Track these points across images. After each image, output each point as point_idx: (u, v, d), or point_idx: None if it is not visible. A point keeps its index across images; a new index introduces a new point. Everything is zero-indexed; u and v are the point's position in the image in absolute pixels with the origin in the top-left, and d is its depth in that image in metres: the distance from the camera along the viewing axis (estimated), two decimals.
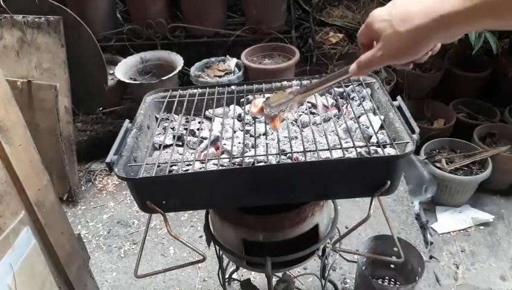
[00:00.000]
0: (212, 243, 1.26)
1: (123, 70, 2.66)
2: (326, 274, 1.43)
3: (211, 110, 1.26)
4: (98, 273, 2.03)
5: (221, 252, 1.32)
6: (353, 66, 0.74)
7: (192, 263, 1.08)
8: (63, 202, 2.44)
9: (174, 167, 1.04)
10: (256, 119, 1.18)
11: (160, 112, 1.26)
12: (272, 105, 0.96)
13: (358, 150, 0.98)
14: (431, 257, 2.15)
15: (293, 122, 1.21)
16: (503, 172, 2.48)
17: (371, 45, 0.71)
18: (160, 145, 1.11)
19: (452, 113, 2.80)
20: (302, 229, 1.13)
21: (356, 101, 1.22)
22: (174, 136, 1.17)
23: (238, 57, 2.73)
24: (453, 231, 2.35)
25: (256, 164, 0.99)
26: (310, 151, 1.02)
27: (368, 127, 1.07)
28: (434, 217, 2.45)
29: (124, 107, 2.86)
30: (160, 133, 1.23)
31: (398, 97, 1.13)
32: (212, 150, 1.10)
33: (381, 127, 1.09)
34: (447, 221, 2.41)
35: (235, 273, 1.74)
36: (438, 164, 2.48)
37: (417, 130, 0.98)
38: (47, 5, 2.29)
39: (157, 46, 2.85)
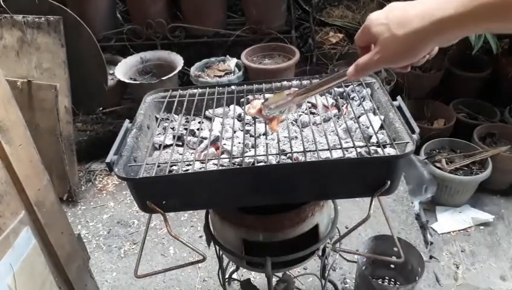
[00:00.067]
0: (212, 243, 1.26)
1: (123, 70, 2.66)
2: (326, 274, 1.43)
3: (211, 110, 1.26)
4: (98, 273, 2.03)
5: (221, 252, 1.32)
6: (351, 69, 0.74)
7: (192, 263, 1.08)
8: (63, 202, 2.44)
9: (174, 167, 1.04)
10: (256, 119, 1.18)
11: (160, 112, 1.26)
12: (271, 107, 0.96)
13: (358, 150, 0.98)
14: (431, 257, 2.15)
15: (293, 122, 1.21)
16: (503, 172, 2.48)
17: (369, 48, 0.71)
18: (160, 145, 1.11)
19: (452, 113, 2.80)
20: (302, 229, 1.13)
21: (356, 101, 1.22)
22: (174, 136, 1.17)
23: (238, 57, 2.73)
24: (453, 231, 2.35)
25: (256, 164, 0.99)
26: (310, 151, 1.02)
27: (368, 127, 1.07)
28: (434, 217, 2.45)
29: (124, 107, 2.86)
30: (160, 133, 1.23)
31: (398, 97, 1.13)
32: (212, 150, 1.10)
33: (381, 127, 1.09)
34: (447, 221, 2.41)
35: (235, 273, 1.74)
36: (438, 164, 2.48)
37: (417, 130, 0.98)
38: (47, 5, 2.29)
39: (157, 46, 2.85)
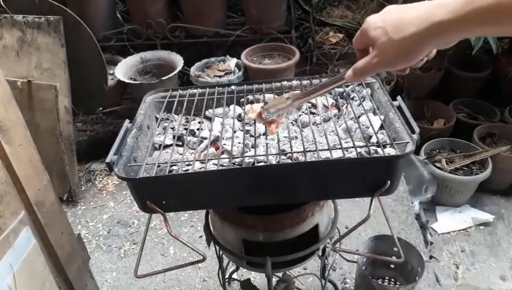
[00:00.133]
0: (212, 243, 1.26)
1: (123, 70, 2.66)
2: (326, 274, 1.43)
3: (211, 110, 1.26)
4: (98, 273, 2.03)
5: (221, 252, 1.32)
6: (349, 73, 0.75)
7: (192, 263, 1.08)
8: (63, 202, 2.44)
9: (174, 167, 1.04)
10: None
11: (160, 112, 1.26)
12: (271, 110, 0.97)
13: (358, 150, 0.98)
14: (431, 257, 2.15)
15: (293, 122, 1.21)
16: (503, 172, 2.48)
17: (367, 51, 0.72)
18: (160, 145, 1.11)
19: (452, 113, 2.80)
20: (302, 229, 1.13)
21: (356, 101, 1.22)
22: (174, 136, 1.17)
23: (238, 57, 2.73)
24: (453, 231, 2.35)
25: (256, 164, 0.99)
26: (310, 151, 1.02)
27: (368, 127, 1.07)
28: (434, 217, 2.45)
29: (124, 107, 2.86)
30: (160, 133, 1.23)
31: (398, 97, 1.13)
32: (212, 150, 1.10)
33: (381, 127, 1.09)
34: (447, 221, 2.41)
35: (235, 273, 1.74)
36: (438, 164, 2.48)
37: (417, 130, 0.98)
38: (47, 5, 2.29)
39: (157, 46, 2.85)
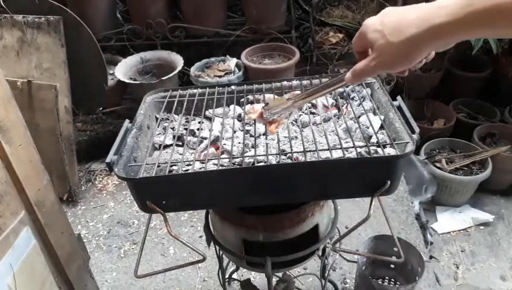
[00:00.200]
0: (212, 243, 1.26)
1: (123, 70, 2.66)
2: (326, 274, 1.43)
3: (211, 110, 1.26)
4: (98, 273, 2.04)
5: (221, 252, 1.32)
6: (348, 75, 0.76)
7: (192, 263, 1.08)
8: (63, 202, 2.44)
9: (174, 167, 1.04)
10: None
11: (160, 112, 1.26)
12: (272, 111, 0.97)
13: (358, 150, 0.98)
14: (431, 257, 2.15)
15: (293, 122, 1.21)
16: (503, 172, 2.48)
17: (366, 53, 0.72)
18: (160, 145, 1.11)
19: (452, 113, 2.80)
20: (302, 229, 1.13)
21: (356, 101, 1.22)
22: (174, 136, 1.17)
23: (238, 57, 2.73)
24: (453, 231, 2.35)
25: (256, 164, 0.99)
26: (310, 151, 1.02)
27: (368, 127, 1.07)
28: (434, 217, 2.45)
29: (124, 107, 2.86)
30: (160, 133, 1.23)
31: (398, 97, 1.13)
32: (212, 150, 1.10)
33: (381, 127, 1.09)
34: (447, 221, 2.41)
35: (235, 273, 1.74)
36: (438, 164, 2.48)
37: (417, 130, 0.98)
38: (47, 5, 2.29)
39: (157, 46, 2.85)
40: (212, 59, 2.81)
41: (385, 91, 1.18)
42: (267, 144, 1.08)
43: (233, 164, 1.01)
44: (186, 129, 1.19)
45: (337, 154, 1.01)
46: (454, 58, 2.97)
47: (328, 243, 1.24)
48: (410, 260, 1.68)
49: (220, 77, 2.66)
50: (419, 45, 0.64)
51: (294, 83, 1.29)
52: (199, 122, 1.22)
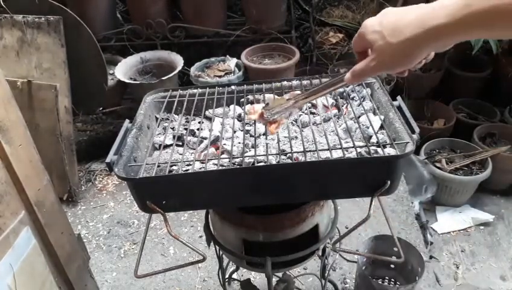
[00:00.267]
0: (212, 243, 1.26)
1: (123, 70, 2.66)
2: (326, 274, 1.43)
3: (211, 110, 1.26)
4: (98, 273, 2.04)
5: (221, 252, 1.32)
6: (348, 75, 0.76)
7: (192, 263, 1.08)
8: (63, 202, 2.44)
9: (174, 167, 1.04)
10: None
11: (160, 112, 1.26)
12: (272, 112, 0.97)
13: (358, 150, 0.98)
14: (431, 257, 2.15)
15: (293, 122, 1.21)
16: (503, 172, 2.48)
17: (366, 53, 0.72)
18: (160, 145, 1.11)
19: (452, 113, 2.80)
20: (302, 229, 1.13)
21: (356, 101, 1.22)
22: (174, 136, 1.17)
23: (238, 57, 2.73)
24: (453, 231, 2.35)
25: (256, 164, 0.99)
26: (310, 151, 1.02)
27: (368, 127, 1.07)
28: (434, 217, 2.45)
29: (124, 107, 2.86)
30: (160, 133, 1.23)
31: (398, 97, 1.13)
32: (212, 150, 1.10)
33: (381, 127, 1.09)
34: (447, 221, 2.41)
35: (235, 273, 1.74)
36: (438, 164, 2.48)
37: (417, 130, 0.98)
38: (47, 5, 2.29)
39: (157, 46, 2.85)
40: (212, 59, 2.81)
41: (385, 91, 1.18)
42: (267, 144, 1.08)
43: (233, 164, 1.01)
44: (186, 129, 1.19)
45: (337, 154, 1.01)
46: (454, 58, 2.98)
47: (328, 243, 1.24)
48: (410, 260, 1.68)
49: (220, 77, 2.66)
50: (419, 46, 0.64)
51: (294, 83, 1.29)
52: (199, 122, 1.22)
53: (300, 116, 1.21)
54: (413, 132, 0.97)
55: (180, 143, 1.18)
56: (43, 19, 2.26)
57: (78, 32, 2.32)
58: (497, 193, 2.58)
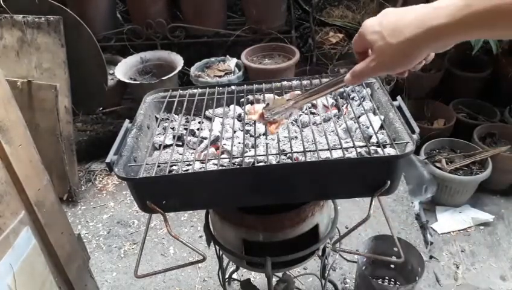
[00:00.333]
0: (212, 243, 1.26)
1: (123, 70, 2.66)
2: (326, 274, 1.43)
3: (211, 110, 1.26)
4: (98, 273, 2.03)
5: (221, 252, 1.32)
6: (348, 76, 0.76)
7: (192, 263, 1.08)
8: (63, 202, 2.44)
9: (174, 167, 1.04)
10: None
11: (160, 112, 1.26)
12: (273, 112, 0.97)
13: (358, 150, 0.98)
14: (431, 257, 2.15)
15: (293, 122, 1.21)
16: (503, 172, 2.48)
17: (366, 53, 0.72)
18: (160, 145, 1.11)
19: (452, 113, 2.80)
20: (302, 229, 1.13)
21: (356, 101, 1.22)
22: (174, 136, 1.17)
23: (238, 57, 2.73)
24: (453, 231, 2.35)
25: (256, 164, 0.99)
26: (310, 151, 1.02)
27: (368, 127, 1.07)
28: (434, 217, 2.45)
29: (124, 107, 2.86)
30: (160, 133, 1.23)
31: (398, 97, 1.13)
32: (212, 150, 1.10)
33: (381, 127, 1.09)
34: (447, 221, 2.41)
35: (235, 273, 1.74)
36: (438, 164, 2.48)
37: (417, 130, 0.98)
38: (47, 5, 2.29)
39: (157, 46, 2.85)
40: (212, 59, 2.81)
41: (385, 91, 1.18)
42: (267, 144, 1.08)
43: (233, 164, 1.01)
44: (186, 129, 1.19)
45: (337, 154, 1.01)
46: (454, 58, 2.98)
47: (328, 243, 1.24)
48: (410, 260, 1.68)
49: (220, 77, 2.66)
50: (418, 46, 0.64)
51: (294, 83, 1.29)
52: (199, 122, 1.22)
53: (300, 116, 1.21)
54: (413, 132, 0.97)
55: (180, 143, 1.18)
56: (43, 19, 2.26)
57: (78, 32, 2.32)
58: (497, 193, 2.58)
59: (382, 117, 1.11)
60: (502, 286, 2.05)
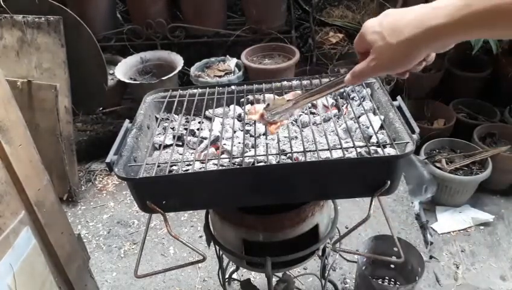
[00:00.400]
0: (212, 243, 1.26)
1: (123, 70, 2.66)
2: (326, 274, 1.43)
3: (211, 110, 1.26)
4: (98, 273, 2.04)
5: (221, 252, 1.32)
6: (348, 76, 0.76)
7: (192, 263, 1.08)
8: (63, 202, 2.44)
9: (174, 167, 1.04)
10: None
11: (160, 112, 1.26)
12: (273, 112, 0.97)
13: (358, 150, 0.98)
14: (431, 257, 2.15)
15: (293, 122, 1.21)
16: (503, 172, 2.48)
17: (368, 54, 0.72)
18: (160, 145, 1.11)
19: (452, 113, 2.80)
20: (302, 229, 1.13)
21: (356, 101, 1.22)
22: (174, 136, 1.17)
23: (238, 57, 2.73)
24: (453, 231, 2.35)
25: (256, 164, 0.99)
26: (310, 151, 1.02)
27: (368, 127, 1.07)
28: (434, 217, 2.45)
29: (124, 107, 2.86)
30: (160, 133, 1.23)
31: (398, 97, 1.13)
32: (212, 150, 1.10)
33: (381, 127, 1.09)
34: (447, 221, 2.41)
35: (235, 273, 1.74)
36: (438, 164, 2.48)
37: (417, 130, 0.98)
38: (47, 5, 2.29)
39: (157, 46, 2.85)
40: (212, 59, 2.81)
41: (385, 91, 1.18)
42: (267, 144, 1.08)
43: (233, 164, 1.01)
44: (186, 129, 1.19)
45: (337, 154, 1.01)
46: (454, 58, 2.98)
47: (328, 243, 1.24)
48: (410, 260, 1.68)
49: (220, 77, 2.66)
50: (418, 46, 0.64)
51: (294, 83, 1.29)
52: (199, 122, 1.22)
53: (300, 116, 1.21)
54: (413, 132, 0.97)
55: (180, 143, 1.18)
56: (43, 19, 2.26)
57: (78, 32, 2.32)
58: (497, 193, 2.58)
59: (382, 117, 1.11)
60: (502, 286, 2.05)
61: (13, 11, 2.28)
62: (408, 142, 0.95)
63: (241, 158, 1.01)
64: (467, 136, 2.62)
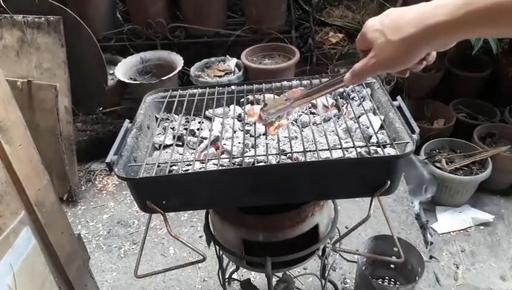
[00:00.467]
0: (212, 243, 1.26)
1: (123, 70, 2.66)
2: (326, 274, 1.43)
3: (211, 110, 1.26)
4: (98, 273, 2.04)
5: (221, 252, 1.32)
6: (347, 75, 0.76)
7: (192, 263, 1.08)
8: (63, 202, 2.44)
9: (174, 167, 1.04)
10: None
11: (160, 112, 1.26)
12: (270, 112, 0.97)
13: (358, 150, 0.98)
14: (431, 257, 2.15)
15: (293, 122, 1.21)
16: (503, 172, 2.48)
17: (369, 52, 0.72)
18: (160, 145, 1.11)
19: (452, 113, 2.80)
20: (302, 229, 1.13)
21: (356, 101, 1.22)
22: (174, 136, 1.17)
23: (238, 57, 2.73)
24: (453, 231, 2.35)
25: (256, 164, 0.99)
26: (310, 151, 1.02)
27: (368, 127, 1.07)
28: (434, 217, 2.45)
29: (124, 107, 2.86)
30: (160, 133, 1.23)
31: (398, 97, 1.13)
32: (212, 150, 1.10)
33: (381, 127, 1.09)
34: (447, 221, 2.41)
35: (235, 273, 1.74)
36: (438, 164, 2.48)
37: (417, 130, 0.98)
38: (47, 5, 2.29)
39: (157, 46, 2.85)
40: (212, 59, 2.81)
41: (385, 91, 1.18)
42: (267, 144, 1.08)
43: (233, 164, 1.01)
44: (186, 129, 1.19)
45: (337, 154, 1.01)
46: (454, 58, 2.98)
47: (328, 243, 1.24)
48: (410, 260, 1.68)
49: (220, 77, 2.66)
50: (418, 44, 0.64)
51: (294, 83, 1.29)
52: (199, 122, 1.22)
53: (300, 116, 1.21)
54: (413, 131, 0.97)
55: (180, 143, 1.18)
56: (43, 19, 2.26)
57: (78, 32, 2.32)
58: (497, 193, 2.58)
59: (382, 117, 1.11)
60: (502, 286, 2.05)
61: (13, 11, 2.28)
62: (408, 142, 0.95)
63: (241, 158, 1.01)
64: (467, 136, 2.62)
